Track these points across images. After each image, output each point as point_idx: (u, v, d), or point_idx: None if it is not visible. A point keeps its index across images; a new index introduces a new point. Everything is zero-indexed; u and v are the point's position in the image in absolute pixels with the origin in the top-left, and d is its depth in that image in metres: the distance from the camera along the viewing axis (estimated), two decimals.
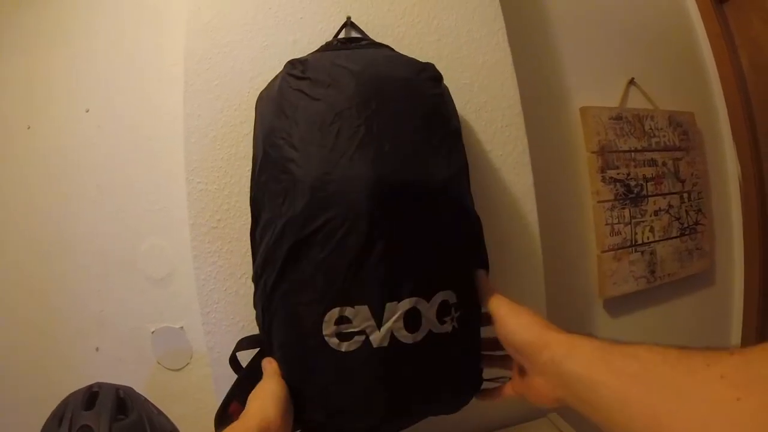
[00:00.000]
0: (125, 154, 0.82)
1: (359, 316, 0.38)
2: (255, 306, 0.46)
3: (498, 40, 0.68)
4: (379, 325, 0.37)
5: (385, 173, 0.38)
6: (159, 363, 0.79)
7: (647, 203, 0.96)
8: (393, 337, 0.38)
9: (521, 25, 0.94)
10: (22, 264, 0.92)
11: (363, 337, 0.38)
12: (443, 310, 0.40)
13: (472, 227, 0.48)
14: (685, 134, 1.08)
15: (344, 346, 0.38)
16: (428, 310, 0.39)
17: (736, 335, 1.16)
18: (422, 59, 0.51)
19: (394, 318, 0.38)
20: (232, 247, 0.60)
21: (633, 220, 0.93)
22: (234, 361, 0.51)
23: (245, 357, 0.50)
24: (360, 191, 0.37)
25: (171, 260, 0.76)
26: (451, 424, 0.54)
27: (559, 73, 0.97)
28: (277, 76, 0.48)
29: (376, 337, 0.37)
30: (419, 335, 0.38)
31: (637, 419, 0.24)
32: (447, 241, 0.42)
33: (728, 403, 0.19)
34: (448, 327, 0.40)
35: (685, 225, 1.04)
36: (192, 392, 0.77)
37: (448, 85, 0.54)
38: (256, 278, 0.44)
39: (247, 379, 0.48)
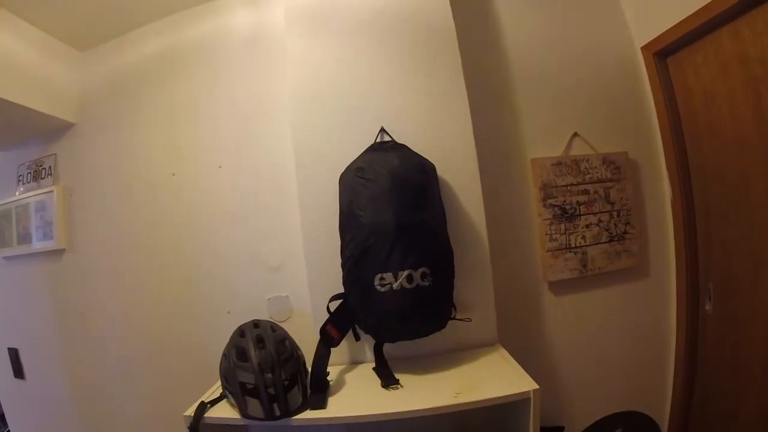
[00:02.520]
0: (249, 194, 1.39)
1: (389, 276, 0.93)
2: (343, 278, 1.01)
3: (467, 137, 1.19)
4: (396, 280, 0.92)
5: (397, 219, 0.94)
6: (271, 317, 1.33)
7: (579, 219, 1.44)
8: (401, 285, 0.93)
9: (488, 99, 1.44)
10: (175, 264, 1.49)
11: (389, 285, 0.93)
12: (424, 276, 0.94)
13: (442, 244, 1.02)
14: (617, 169, 1.54)
15: (383, 289, 0.93)
16: (416, 274, 0.94)
17: (670, 314, 1.54)
18: (421, 147, 1.07)
19: (402, 278, 0.92)
20: (325, 246, 1.14)
21: (567, 231, 1.41)
22: (327, 307, 1.05)
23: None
24: (388, 227, 0.93)
25: (282, 256, 1.32)
26: (426, 345, 1.06)
27: (517, 133, 1.47)
28: (350, 169, 1.05)
29: (395, 285, 0.93)
30: (413, 285, 0.93)
31: None
32: (426, 246, 0.96)
33: None
34: (426, 282, 0.95)
35: (614, 234, 1.50)
36: (293, 335, 1.28)
37: (434, 161, 1.07)
38: (344, 264, 1.00)
39: (335, 314, 1.03)
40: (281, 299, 1.33)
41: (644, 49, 1.56)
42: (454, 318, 1.07)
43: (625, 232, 1.53)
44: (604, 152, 1.53)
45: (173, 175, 1.54)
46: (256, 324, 1.04)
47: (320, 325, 1.04)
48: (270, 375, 0.90)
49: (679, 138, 1.52)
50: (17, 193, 1.79)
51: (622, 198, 1.53)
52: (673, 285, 1.56)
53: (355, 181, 1.01)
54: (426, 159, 1.07)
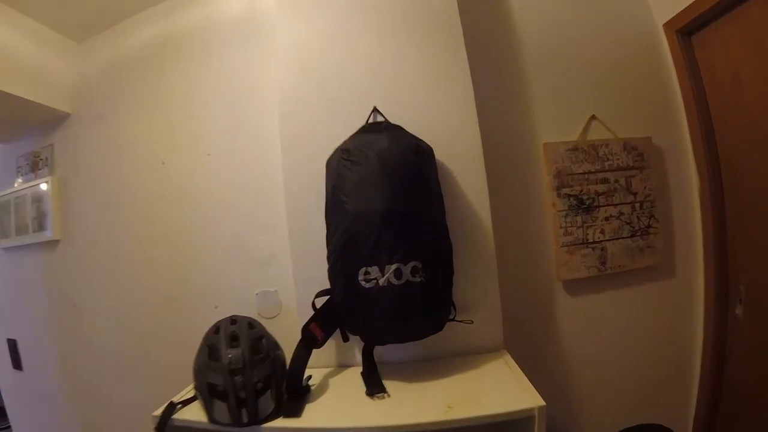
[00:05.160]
0: (238, 183, 1.31)
1: (374, 271, 0.83)
2: (328, 271, 0.91)
3: (469, 118, 1.07)
4: (383, 275, 0.81)
5: (386, 207, 0.83)
6: (259, 314, 1.25)
7: (598, 211, 1.30)
8: (389, 281, 0.82)
9: (495, 76, 1.32)
10: (165, 256, 1.44)
11: (375, 281, 0.82)
12: (415, 271, 0.83)
13: (439, 236, 0.91)
14: (639, 156, 1.39)
15: (367, 285, 0.82)
16: (405, 269, 0.83)
17: (698, 317, 1.40)
18: (418, 128, 0.96)
19: (389, 272, 0.82)
20: (312, 237, 1.04)
21: (584, 224, 1.27)
22: (313, 304, 0.96)
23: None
24: (375, 216, 0.83)
25: (271, 249, 1.23)
26: (422, 349, 0.95)
27: (528, 115, 1.33)
28: (336, 152, 0.94)
29: (381, 281, 0.82)
30: (401, 281, 0.82)
31: None
32: (419, 238, 0.85)
33: None
34: (417, 279, 0.83)
35: (636, 228, 1.35)
36: (281, 333, 1.18)
37: (433, 145, 0.96)
38: (329, 256, 0.90)
39: (321, 312, 0.93)
40: (270, 294, 1.25)
41: (666, 26, 1.42)
42: (453, 319, 0.96)
43: (649, 226, 1.38)
44: (625, 137, 1.39)
45: (163, 163, 1.50)
46: (233, 320, 0.97)
47: (304, 323, 0.95)
48: (240, 377, 0.82)
49: (706, 123, 1.38)
50: (15, 185, 1.79)
51: (645, 188, 1.38)
52: (700, 286, 1.41)
53: (339, 165, 0.90)
54: (422, 140, 0.96)
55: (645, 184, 1.38)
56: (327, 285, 0.95)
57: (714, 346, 1.34)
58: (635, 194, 1.36)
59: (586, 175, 1.30)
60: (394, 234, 0.83)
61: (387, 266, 0.82)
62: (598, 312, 1.33)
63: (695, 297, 1.41)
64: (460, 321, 0.98)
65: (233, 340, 0.89)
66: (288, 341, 0.97)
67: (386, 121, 1.03)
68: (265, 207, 1.26)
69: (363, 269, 0.83)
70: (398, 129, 0.98)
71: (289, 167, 1.08)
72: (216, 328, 0.96)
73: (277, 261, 1.23)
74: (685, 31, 1.37)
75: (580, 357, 1.33)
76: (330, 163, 0.96)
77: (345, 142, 0.96)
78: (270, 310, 1.24)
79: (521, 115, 1.32)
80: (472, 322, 1.00)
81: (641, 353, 1.37)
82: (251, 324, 0.97)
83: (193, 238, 1.40)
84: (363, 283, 0.83)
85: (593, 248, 1.29)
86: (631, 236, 1.34)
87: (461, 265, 0.97)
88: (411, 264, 0.83)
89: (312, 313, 0.95)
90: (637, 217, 1.36)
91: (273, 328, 1.00)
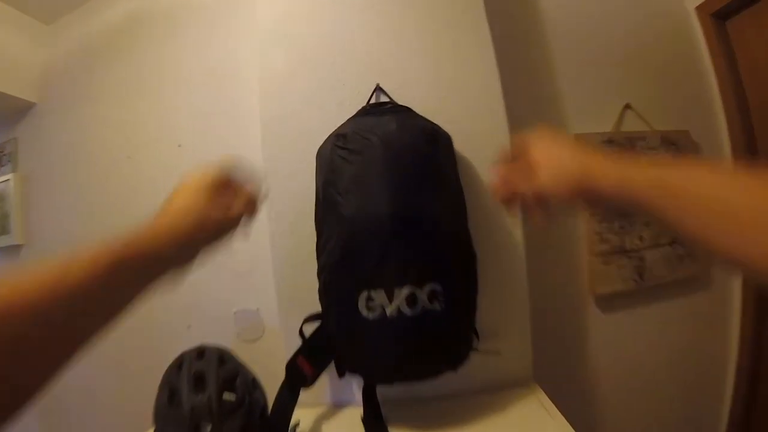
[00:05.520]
0: None
1: (379, 296, 0.62)
2: (319, 292, 0.71)
3: (494, 100, 0.88)
4: (391, 302, 0.61)
5: (394, 211, 0.62)
6: (238, 336, 1.05)
7: (636, 215, 1.12)
8: (399, 311, 0.61)
9: (520, 59, 1.13)
10: None
11: (381, 310, 0.62)
12: (434, 296, 0.63)
13: (462, 247, 0.70)
14: (678, 152, 1.21)
15: (370, 315, 0.62)
16: (421, 294, 0.62)
17: (734, 335, 1.25)
18: (431, 112, 0.75)
19: (400, 298, 0.61)
20: (298, 245, 0.84)
21: (622, 230, 1.09)
22: (301, 331, 0.76)
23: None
24: (380, 222, 0.62)
25: (251, 258, 1.03)
26: (435, 385, 0.76)
27: (557, 103, 1.15)
28: (329, 139, 0.73)
29: (389, 310, 0.62)
30: (416, 310, 0.62)
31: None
32: (438, 251, 0.64)
33: None
34: (437, 306, 0.63)
35: None
36: (264, 359, 1.00)
37: (450, 132, 0.77)
38: (320, 273, 0.69)
39: (310, 341, 0.73)
40: (250, 314, 1.04)
41: (699, 9, 1.28)
42: (476, 350, 0.77)
43: None
44: (662, 130, 1.21)
45: (128, 158, 1.31)
46: (200, 352, 0.77)
47: (292, 354, 0.75)
48: None
49: (745, 118, 1.23)
50: None
51: None
52: (737, 298, 1.25)
53: (333, 154, 0.69)
54: (437, 125, 0.77)
55: None
56: (317, 305, 0.75)
57: (749, 366, 1.19)
58: None
59: None
60: (405, 246, 0.63)
61: (397, 290, 0.61)
62: (630, 330, 1.14)
63: (731, 310, 1.25)
64: (486, 352, 0.78)
65: (198, 381, 0.69)
66: (272, 371, 0.77)
67: (392, 102, 0.83)
68: None
69: (365, 293, 0.63)
70: (407, 111, 0.78)
71: (270, 158, 0.88)
72: (179, 363, 0.76)
73: (259, 272, 1.03)
74: (720, 15, 1.24)
75: (609, 378, 1.14)
76: (321, 153, 0.75)
77: (340, 127, 0.76)
78: (251, 332, 1.04)
79: (548, 102, 1.13)
80: (500, 353, 0.81)
81: (671, 374, 1.20)
82: (222, 358, 0.77)
83: None
84: (364, 312, 0.63)
85: (630, 257, 1.11)
86: (671, 243, 1.17)
87: (485, 280, 0.78)
88: (428, 287, 0.63)
89: (299, 342, 0.75)
90: None
91: (254, 354, 0.81)
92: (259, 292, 1.03)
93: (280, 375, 0.76)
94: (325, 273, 0.68)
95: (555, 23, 1.20)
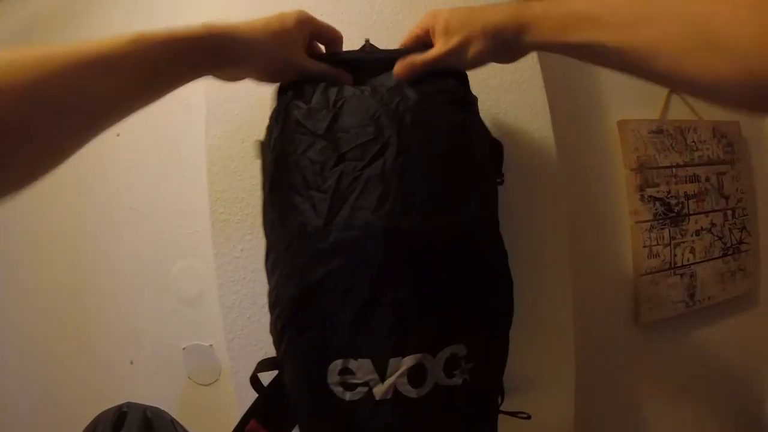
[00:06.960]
0: (155, 178, 0.84)
1: (362, 369, 0.37)
2: (270, 332, 0.46)
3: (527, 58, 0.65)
4: (382, 379, 0.37)
5: (392, 221, 0.36)
6: (189, 378, 0.81)
7: (688, 222, 0.91)
8: (396, 391, 0.37)
9: None
10: (61, 278, 0.96)
11: (366, 389, 0.37)
12: (452, 364, 0.38)
13: (495, 272, 0.44)
14: (729, 146, 1.02)
15: (348, 395, 0.38)
16: (434, 365, 0.38)
17: None
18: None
19: (397, 373, 0.37)
20: (255, 276, 0.60)
21: (672, 241, 0.88)
22: (255, 382, 0.51)
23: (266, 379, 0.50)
24: (364, 241, 0.36)
25: (202, 281, 0.77)
26: None
27: (596, 84, 0.93)
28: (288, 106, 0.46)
29: (379, 390, 0.37)
30: (424, 390, 0.37)
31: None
32: (461, 293, 0.39)
33: None
34: (457, 380, 0.38)
35: (728, 245, 0.98)
36: (221, 407, 0.78)
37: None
38: (271, 310, 0.43)
39: (266, 398, 0.49)
40: (202, 350, 0.79)
41: None
42: (500, 412, 0.54)
43: (741, 242, 1.01)
44: (712, 120, 1.01)
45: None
46: (121, 415, 0.54)
47: (243, 412, 0.51)
48: None
49: None
50: None
51: (737, 190, 1.02)
52: None
53: (288, 127, 0.40)
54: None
55: (736, 184, 1.02)
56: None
57: None
58: (727, 198, 0.99)
59: (674, 170, 0.91)
60: (411, 283, 0.37)
61: (392, 360, 0.37)
62: (676, 359, 0.94)
63: None
64: (512, 414, 0.56)
65: None
66: (231, 426, 0.53)
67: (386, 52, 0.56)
68: (189, 216, 0.78)
69: (337, 362, 0.38)
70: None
71: (215, 148, 0.61)
72: (93, 428, 0.53)
73: (210, 299, 0.77)
74: None
75: (651, 410, 0.95)
76: (271, 130, 0.44)
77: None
78: (204, 373, 0.79)
79: (584, 80, 0.91)
80: (530, 417, 0.59)
81: (712, 404, 1.02)
82: (149, 425, 0.54)
83: (99, 254, 0.91)
84: (338, 389, 0.38)
85: (681, 275, 0.90)
86: (723, 255, 0.97)
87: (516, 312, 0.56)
88: (446, 352, 0.38)
89: (253, 395, 0.51)
90: (730, 229, 0.99)
91: (210, 401, 0.69)
92: (212, 324, 0.77)
93: None
94: (275, 314, 0.42)
95: None
